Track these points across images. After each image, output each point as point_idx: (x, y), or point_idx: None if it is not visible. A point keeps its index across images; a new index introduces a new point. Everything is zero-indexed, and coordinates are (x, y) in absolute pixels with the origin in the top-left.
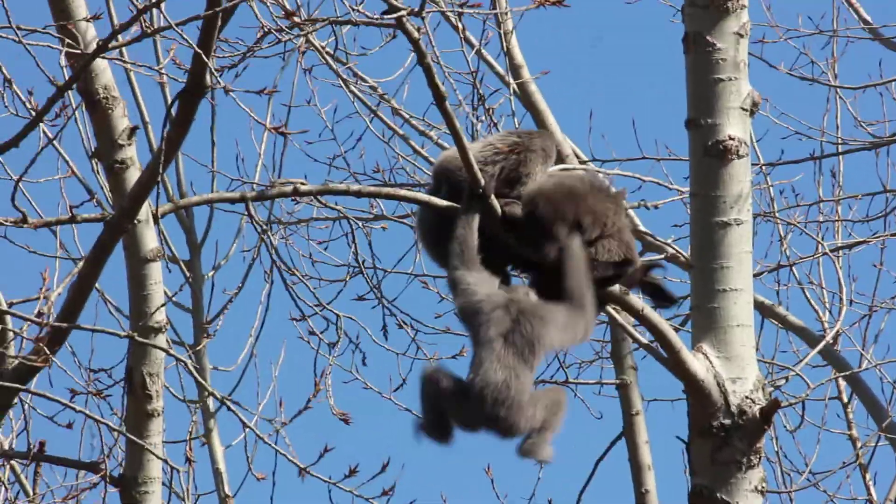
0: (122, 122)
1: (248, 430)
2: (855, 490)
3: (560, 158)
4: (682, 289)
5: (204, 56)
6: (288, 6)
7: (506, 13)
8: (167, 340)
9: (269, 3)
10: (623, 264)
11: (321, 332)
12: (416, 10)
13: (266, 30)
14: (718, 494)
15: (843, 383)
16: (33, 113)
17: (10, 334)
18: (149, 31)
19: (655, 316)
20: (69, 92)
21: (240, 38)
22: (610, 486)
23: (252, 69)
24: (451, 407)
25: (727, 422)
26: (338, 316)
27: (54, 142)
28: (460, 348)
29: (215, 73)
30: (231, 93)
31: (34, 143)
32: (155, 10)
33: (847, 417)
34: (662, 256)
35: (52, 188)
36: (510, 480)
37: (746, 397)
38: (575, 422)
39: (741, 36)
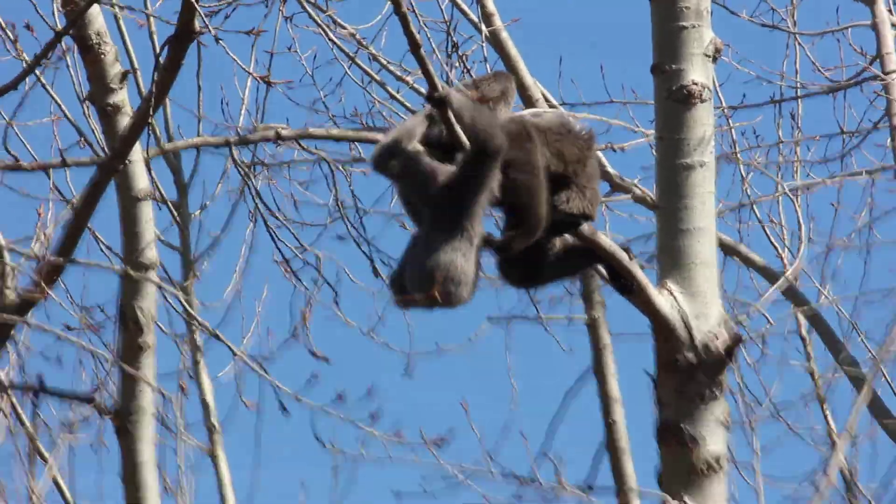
0: (114, 66)
1: (235, 360)
2: (815, 421)
3: (530, 102)
4: (648, 227)
5: (193, 2)
6: None
7: None
8: (158, 277)
9: None
10: (580, 217)
11: (298, 270)
12: None
13: None
14: (683, 426)
15: (802, 320)
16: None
17: (9, 269)
18: None
19: (621, 253)
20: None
21: None
22: (580, 418)
23: (236, 18)
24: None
25: (691, 356)
26: (318, 257)
27: (46, 86)
28: None
29: (205, 18)
30: (221, 40)
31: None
32: None
33: (806, 351)
34: (629, 197)
35: (44, 131)
36: (485, 413)
37: (710, 332)
38: (545, 357)
39: None
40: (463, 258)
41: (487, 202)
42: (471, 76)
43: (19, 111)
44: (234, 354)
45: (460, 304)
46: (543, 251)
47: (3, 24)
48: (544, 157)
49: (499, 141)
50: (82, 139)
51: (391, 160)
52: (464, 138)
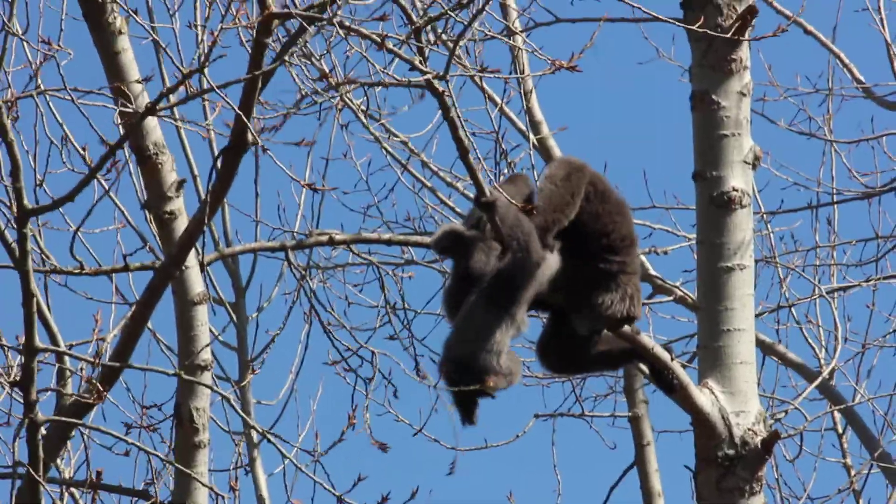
0: (171, 175)
1: (286, 460)
2: None
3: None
4: (689, 328)
5: (244, 116)
6: (324, 66)
7: (523, 76)
8: (213, 377)
9: (305, 67)
10: (623, 321)
11: (357, 368)
12: (441, 73)
13: (304, 93)
14: None
15: (838, 416)
16: (88, 168)
17: (68, 373)
18: (192, 94)
19: (664, 353)
20: (122, 148)
21: (280, 101)
22: None
23: (293, 126)
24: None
25: (731, 452)
26: (373, 353)
27: (110, 193)
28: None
29: (254, 133)
30: (268, 151)
31: (90, 196)
32: (201, 76)
33: (842, 447)
34: (672, 299)
35: (109, 238)
36: None
37: (749, 429)
38: (590, 452)
39: (744, 95)
40: (507, 344)
41: (533, 296)
42: None
43: (87, 220)
44: (284, 457)
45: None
46: (587, 343)
47: (69, 138)
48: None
49: (537, 256)
50: (147, 246)
51: (452, 242)
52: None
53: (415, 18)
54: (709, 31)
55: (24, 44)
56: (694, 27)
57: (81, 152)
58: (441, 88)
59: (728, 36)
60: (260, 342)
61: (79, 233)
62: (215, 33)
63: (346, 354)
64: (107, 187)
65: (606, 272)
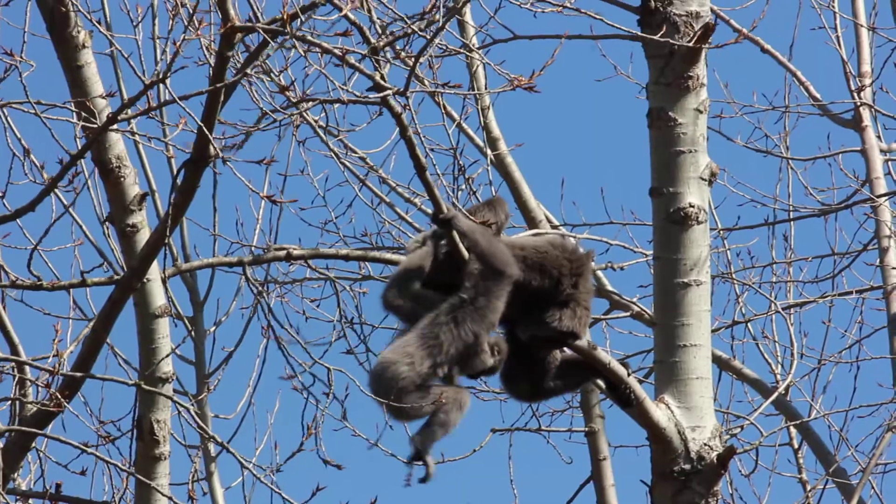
0: (133, 189)
1: (245, 471)
2: None
3: (534, 223)
4: (646, 343)
5: (206, 130)
6: (283, 82)
7: (482, 92)
8: (172, 391)
9: (266, 80)
10: (567, 334)
11: (310, 386)
12: (401, 89)
13: (264, 112)
14: None
15: (794, 431)
16: (48, 180)
17: (28, 383)
18: (154, 105)
19: (620, 368)
20: (82, 161)
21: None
22: None
23: (252, 142)
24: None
25: (687, 467)
26: (328, 369)
27: (70, 209)
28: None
29: (216, 147)
30: (230, 164)
31: (48, 210)
32: (163, 88)
33: (798, 462)
34: (628, 314)
35: (67, 254)
36: None
37: (705, 444)
38: (547, 466)
39: (700, 112)
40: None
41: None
42: (477, 199)
43: (45, 237)
44: (243, 467)
45: None
46: (545, 366)
47: (30, 151)
48: (521, 272)
49: (513, 269)
50: (105, 262)
51: (398, 301)
52: (465, 255)
53: (373, 40)
54: (670, 41)
55: None
56: (655, 37)
57: (39, 167)
58: (398, 108)
59: (689, 44)
60: (217, 357)
61: (37, 249)
62: (178, 44)
63: (301, 370)
64: (66, 203)
65: (558, 295)
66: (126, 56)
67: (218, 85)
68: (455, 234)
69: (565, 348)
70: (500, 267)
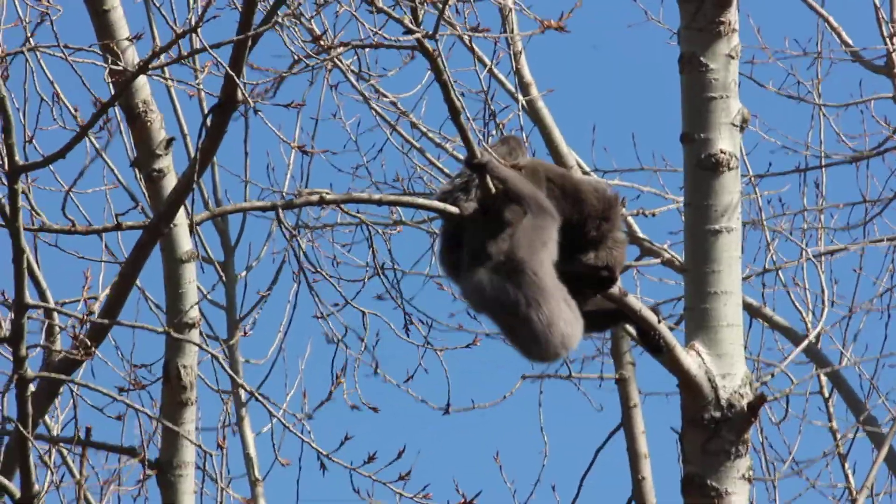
0: (159, 133)
1: (274, 420)
2: (835, 478)
3: (565, 168)
4: (677, 290)
5: (234, 75)
6: (316, 30)
7: (513, 35)
8: (202, 335)
9: (297, 27)
10: (602, 268)
11: (343, 337)
12: (431, 32)
13: (296, 58)
14: (709, 481)
15: (824, 379)
16: (79, 126)
17: (57, 329)
18: (185, 54)
19: (651, 315)
20: (114, 107)
21: (271, 66)
22: (609, 474)
23: (283, 87)
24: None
25: (717, 414)
26: (363, 312)
27: (102, 153)
28: (473, 339)
29: (244, 91)
30: (260, 112)
31: (81, 155)
32: (194, 36)
33: (828, 411)
34: (659, 261)
35: (100, 197)
36: (517, 467)
37: (735, 392)
38: (576, 413)
39: (732, 57)
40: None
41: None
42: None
43: (79, 180)
44: (272, 416)
45: None
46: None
47: (60, 95)
48: (554, 195)
49: (557, 213)
50: (139, 206)
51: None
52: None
53: None
54: None
55: (15, 1)
56: None
57: (73, 112)
58: (432, 49)
59: None
60: (249, 301)
61: (71, 192)
62: None
63: (330, 314)
64: (98, 147)
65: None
66: (157, 5)
67: (247, 34)
68: (488, 178)
69: (598, 294)
70: (548, 208)
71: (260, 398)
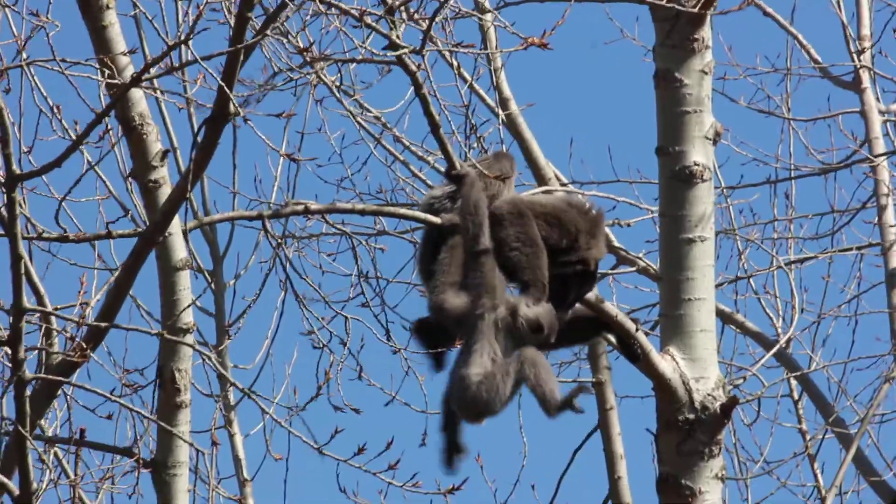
0: (155, 145)
1: (266, 416)
2: (804, 477)
3: (543, 180)
4: (652, 297)
5: (226, 88)
6: (301, 44)
7: (495, 52)
8: (194, 340)
9: (284, 42)
10: (577, 262)
11: (328, 343)
12: (417, 48)
13: (278, 69)
14: (683, 481)
15: (794, 383)
16: (75, 137)
17: (54, 333)
18: (175, 66)
19: (628, 322)
20: (107, 118)
21: (254, 80)
22: (587, 474)
23: (269, 102)
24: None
25: (691, 416)
26: (346, 318)
27: (95, 167)
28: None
29: (236, 104)
30: (249, 121)
31: (76, 165)
32: (185, 49)
33: (798, 413)
34: (635, 269)
35: (92, 207)
36: (498, 467)
37: (708, 394)
38: None
39: (705, 73)
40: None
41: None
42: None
43: (73, 189)
44: (264, 412)
45: None
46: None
47: (59, 108)
48: (542, 229)
49: (483, 245)
50: (129, 214)
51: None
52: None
53: (388, 0)
54: (676, 5)
55: (10, 17)
56: (662, 1)
57: (65, 124)
58: (412, 66)
59: (693, 10)
60: (237, 308)
61: (64, 203)
62: (200, 7)
63: (320, 327)
64: (90, 159)
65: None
66: (150, 18)
67: (238, 46)
68: (462, 192)
69: (576, 304)
70: (475, 234)
71: (251, 395)
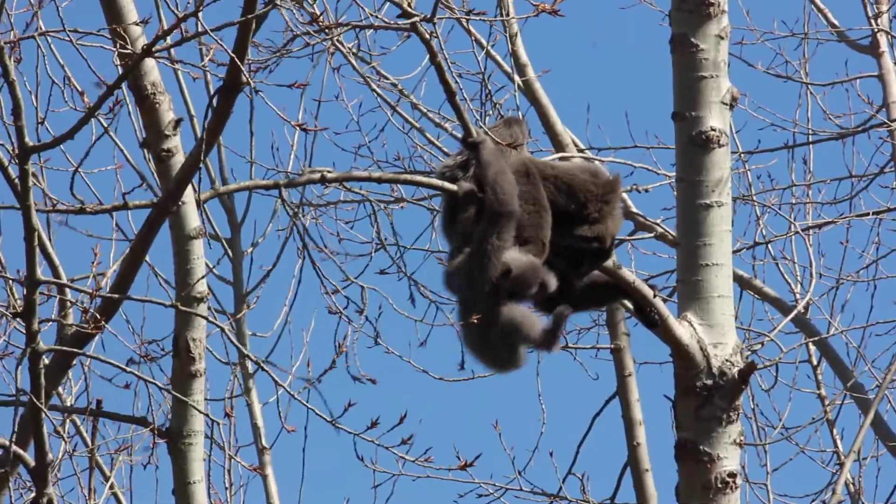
0: (168, 114)
1: (280, 389)
2: (823, 443)
3: (561, 146)
4: (669, 263)
5: (238, 59)
6: (316, 11)
7: (508, 19)
8: (210, 309)
9: (295, 10)
10: (592, 239)
11: (344, 309)
12: (428, 15)
13: (294, 34)
14: (701, 447)
15: (812, 348)
16: (88, 108)
17: (68, 304)
18: (188, 36)
19: (645, 288)
20: (121, 88)
21: (272, 42)
22: (605, 440)
23: (286, 69)
24: None
25: (709, 382)
26: (362, 287)
27: (109, 132)
28: None
29: (246, 74)
30: (261, 92)
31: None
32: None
33: (816, 378)
34: (652, 235)
35: (108, 177)
36: (516, 434)
37: (726, 360)
38: (574, 382)
39: (722, 38)
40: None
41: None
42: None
43: (86, 160)
44: (278, 385)
45: None
46: (572, 286)
47: (71, 78)
48: (549, 192)
49: (510, 208)
50: (145, 183)
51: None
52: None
53: None
54: None
55: None
56: None
57: (81, 93)
58: (428, 33)
59: None
60: (255, 277)
61: (79, 172)
62: None
63: (334, 290)
64: (106, 126)
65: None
66: None
67: (249, 16)
68: (481, 161)
69: (594, 268)
70: (501, 199)
71: (265, 368)
